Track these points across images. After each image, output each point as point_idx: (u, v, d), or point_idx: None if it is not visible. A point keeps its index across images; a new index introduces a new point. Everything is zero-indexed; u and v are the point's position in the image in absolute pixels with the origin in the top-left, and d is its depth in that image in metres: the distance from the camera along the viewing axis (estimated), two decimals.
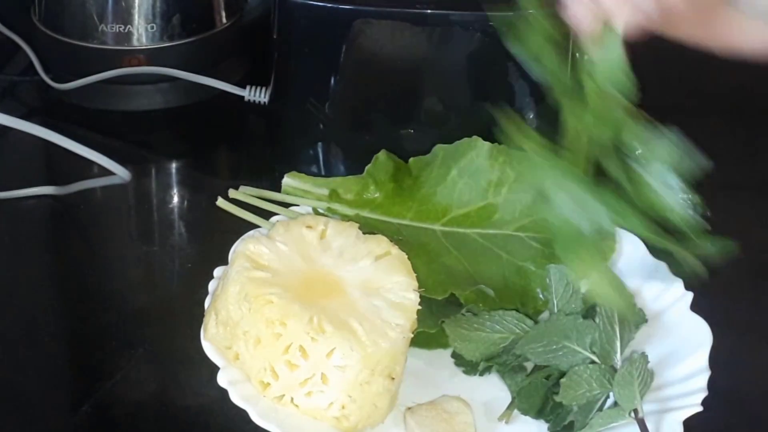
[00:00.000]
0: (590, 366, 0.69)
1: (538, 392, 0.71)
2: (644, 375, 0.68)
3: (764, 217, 0.94)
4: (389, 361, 0.67)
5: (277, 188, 0.83)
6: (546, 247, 0.80)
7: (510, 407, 0.71)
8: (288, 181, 0.83)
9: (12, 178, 0.94)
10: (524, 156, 0.67)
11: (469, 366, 0.74)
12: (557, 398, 0.69)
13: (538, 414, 0.71)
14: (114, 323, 0.80)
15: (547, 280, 0.75)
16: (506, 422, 0.71)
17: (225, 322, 0.69)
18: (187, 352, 0.73)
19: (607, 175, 0.67)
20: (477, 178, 0.82)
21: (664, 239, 0.68)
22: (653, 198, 0.67)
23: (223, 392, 0.67)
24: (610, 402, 0.70)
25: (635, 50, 0.67)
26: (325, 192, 0.82)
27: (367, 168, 0.83)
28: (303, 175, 0.84)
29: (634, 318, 0.74)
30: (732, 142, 1.02)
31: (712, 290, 0.76)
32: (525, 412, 0.71)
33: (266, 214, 0.80)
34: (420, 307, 0.70)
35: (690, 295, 0.75)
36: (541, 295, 0.77)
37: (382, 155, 0.83)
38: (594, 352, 0.70)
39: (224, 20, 1.05)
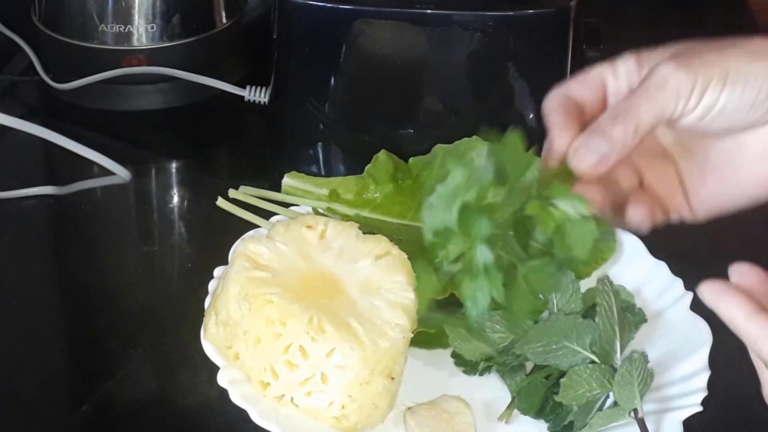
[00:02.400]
0: (590, 366, 0.69)
1: (538, 392, 0.71)
2: (644, 375, 0.68)
3: (764, 217, 0.93)
4: (389, 360, 0.67)
5: (277, 188, 0.83)
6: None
7: (510, 407, 0.71)
8: (288, 181, 0.83)
9: (12, 178, 0.94)
10: None
11: (469, 366, 0.74)
12: (557, 398, 0.69)
13: (538, 414, 0.71)
14: (114, 323, 0.80)
15: None
16: (506, 422, 0.71)
17: (225, 321, 0.69)
18: (187, 352, 0.73)
19: None
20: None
21: None
22: None
23: (223, 392, 0.67)
24: (609, 402, 0.70)
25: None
26: (325, 192, 0.82)
27: (367, 168, 0.83)
28: (303, 175, 0.84)
29: (634, 318, 0.74)
30: None
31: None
32: (525, 412, 0.71)
33: (266, 214, 0.80)
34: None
35: (690, 295, 0.75)
36: (541, 296, 0.77)
37: (382, 155, 0.83)
38: (594, 352, 0.70)
39: (224, 20, 1.05)
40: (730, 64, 0.60)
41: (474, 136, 0.83)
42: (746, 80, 0.60)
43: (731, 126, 0.62)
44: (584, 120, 0.63)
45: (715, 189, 0.65)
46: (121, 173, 0.93)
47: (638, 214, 0.63)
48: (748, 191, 0.65)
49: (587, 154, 0.60)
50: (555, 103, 0.63)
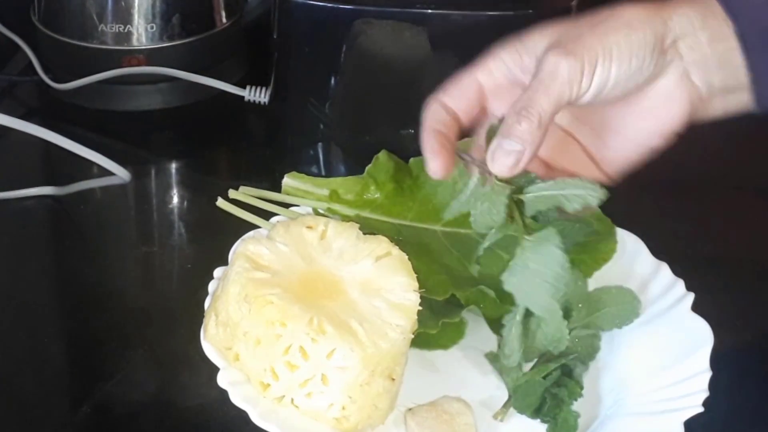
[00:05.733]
0: None
1: (536, 391, 0.71)
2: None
3: (764, 217, 0.94)
4: (389, 361, 0.67)
5: (277, 188, 0.83)
6: None
7: (506, 405, 0.71)
8: (288, 181, 0.83)
9: (12, 178, 0.94)
10: None
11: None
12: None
13: (535, 413, 0.71)
14: (114, 323, 0.80)
15: None
16: (501, 420, 0.71)
17: (225, 322, 0.69)
18: (187, 353, 0.73)
19: None
20: None
21: None
22: None
23: (223, 393, 0.67)
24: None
25: None
26: (326, 192, 0.82)
27: (367, 168, 0.83)
28: (303, 175, 0.84)
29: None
30: (732, 142, 1.02)
31: (713, 290, 0.76)
32: (521, 411, 0.71)
33: (266, 215, 0.80)
34: (420, 308, 0.70)
35: (691, 296, 0.75)
36: None
37: (382, 155, 0.83)
38: None
39: (224, 20, 1.05)
40: (610, 41, 0.67)
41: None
42: (630, 51, 0.67)
43: (624, 92, 0.68)
44: (462, 129, 0.71)
45: (617, 148, 0.72)
46: (121, 173, 0.93)
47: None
48: (646, 142, 0.71)
49: (504, 157, 0.66)
50: (429, 123, 0.70)
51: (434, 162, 0.69)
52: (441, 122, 0.71)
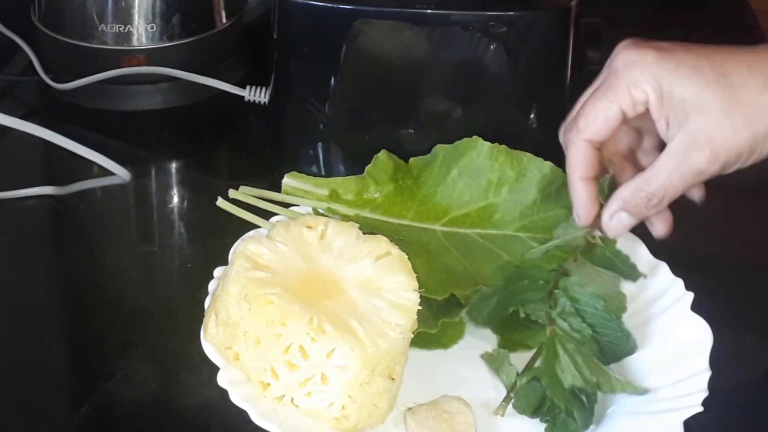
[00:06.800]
0: None
1: (536, 391, 0.71)
2: None
3: (764, 217, 0.94)
4: (389, 361, 0.67)
5: (277, 188, 0.83)
6: None
7: (505, 400, 0.71)
8: (288, 181, 0.83)
9: (12, 178, 0.94)
10: None
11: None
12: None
13: (535, 413, 0.71)
14: (114, 323, 0.80)
15: None
16: (501, 415, 0.71)
17: (225, 322, 0.69)
18: (187, 352, 0.73)
19: None
20: (477, 178, 0.82)
21: None
22: None
23: (223, 392, 0.67)
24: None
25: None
26: (325, 192, 0.82)
27: (367, 168, 0.83)
28: (303, 175, 0.84)
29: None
30: None
31: (712, 290, 0.76)
32: (521, 411, 0.71)
33: (266, 214, 0.80)
34: (420, 308, 0.70)
35: (690, 296, 0.75)
36: None
37: (382, 155, 0.83)
38: None
39: (224, 20, 1.05)
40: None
41: (474, 136, 0.83)
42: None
43: None
44: (602, 159, 0.72)
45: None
46: (121, 173, 0.93)
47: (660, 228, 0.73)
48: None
49: (618, 226, 0.72)
50: (581, 170, 0.71)
51: (586, 212, 0.72)
52: (592, 167, 0.71)
